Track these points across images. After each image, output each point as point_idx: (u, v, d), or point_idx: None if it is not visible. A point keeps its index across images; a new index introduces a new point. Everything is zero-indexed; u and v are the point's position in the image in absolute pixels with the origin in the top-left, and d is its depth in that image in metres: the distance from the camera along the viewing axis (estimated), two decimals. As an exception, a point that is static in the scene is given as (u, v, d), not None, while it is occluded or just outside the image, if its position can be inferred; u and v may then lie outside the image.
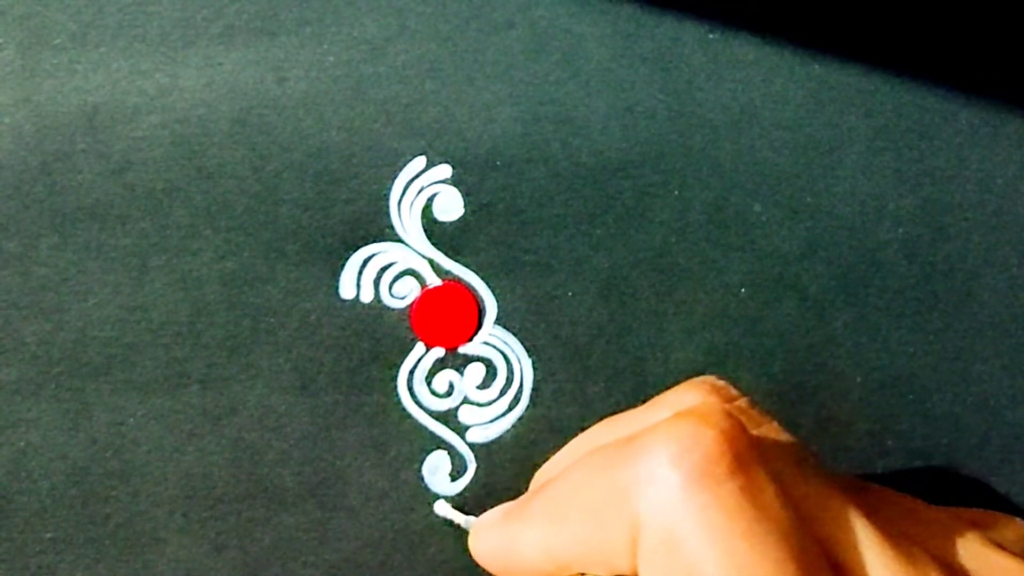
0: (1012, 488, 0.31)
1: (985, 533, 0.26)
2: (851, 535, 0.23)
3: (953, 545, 0.25)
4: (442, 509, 0.30)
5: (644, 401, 0.29)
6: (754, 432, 0.25)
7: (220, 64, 0.29)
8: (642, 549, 0.22)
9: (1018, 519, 0.27)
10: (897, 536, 0.23)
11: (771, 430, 0.25)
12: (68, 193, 0.29)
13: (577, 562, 0.24)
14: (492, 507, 0.29)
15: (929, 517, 0.26)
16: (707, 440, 0.22)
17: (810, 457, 0.25)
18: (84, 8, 0.29)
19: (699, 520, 0.22)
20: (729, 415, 0.23)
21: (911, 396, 0.31)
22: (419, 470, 0.30)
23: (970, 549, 0.25)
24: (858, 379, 0.31)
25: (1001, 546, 0.25)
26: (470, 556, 0.29)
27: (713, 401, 0.24)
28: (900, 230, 0.31)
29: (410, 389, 0.30)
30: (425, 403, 0.30)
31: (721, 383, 0.26)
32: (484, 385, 0.30)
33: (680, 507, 0.22)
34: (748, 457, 0.22)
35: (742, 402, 0.26)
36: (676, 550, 0.22)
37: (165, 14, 0.29)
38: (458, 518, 0.29)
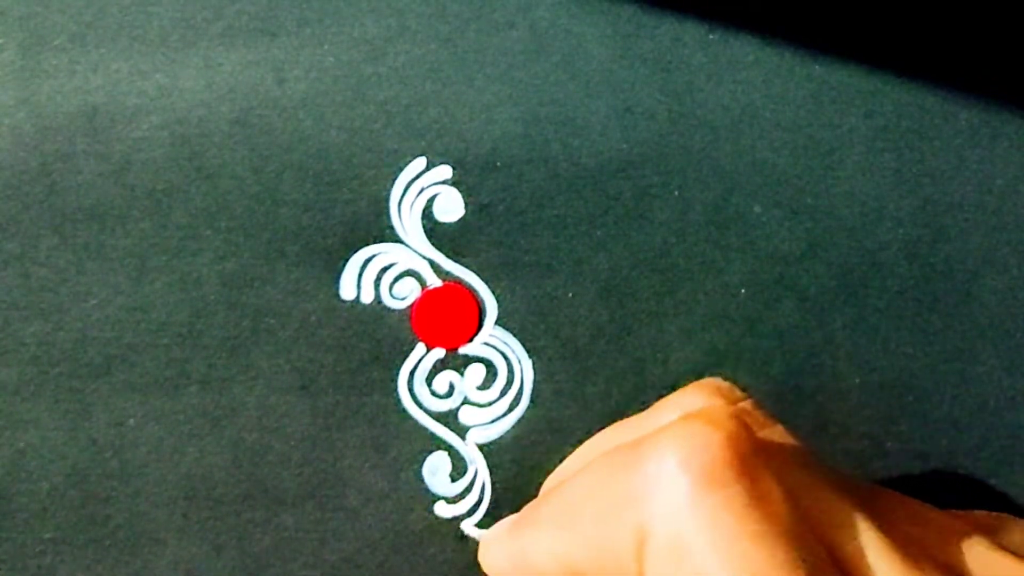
0: (1012, 489, 0.31)
1: (992, 536, 0.26)
2: (856, 539, 0.23)
3: (959, 549, 0.25)
4: (470, 530, 0.30)
5: (644, 401, 0.29)
6: (760, 434, 0.25)
7: (220, 65, 0.29)
8: (649, 553, 0.22)
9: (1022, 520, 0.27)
10: (903, 540, 0.23)
11: (776, 432, 0.25)
12: (68, 194, 0.29)
13: (589, 568, 0.24)
14: (491, 508, 0.29)
15: (935, 521, 0.25)
16: (715, 443, 0.22)
17: (815, 460, 0.25)
18: (84, 9, 0.29)
19: (707, 523, 0.21)
20: (735, 418, 0.23)
21: (910, 397, 0.31)
22: (419, 471, 0.30)
23: (976, 553, 0.25)
24: (857, 380, 0.31)
25: (1008, 549, 0.25)
26: (470, 557, 0.29)
27: (719, 404, 0.24)
28: (900, 231, 0.31)
29: (410, 390, 0.30)
30: (425, 404, 0.30)
31: (725, 385, 0.26)
32: (484, 386, 0.30)
33: (688, 511, 0.22)
34: (755, 460, 0.22)
35: (747, 404, 0.25)
36: (683, 554, 0.22)
37: (165, 15, 0.29)
38: (475, 534, 0.29)
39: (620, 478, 0.23)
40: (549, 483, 0.29)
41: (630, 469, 0.23)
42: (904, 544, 0.23)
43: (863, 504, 0.24)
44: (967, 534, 0.25)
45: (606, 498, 0.23)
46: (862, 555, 0.23)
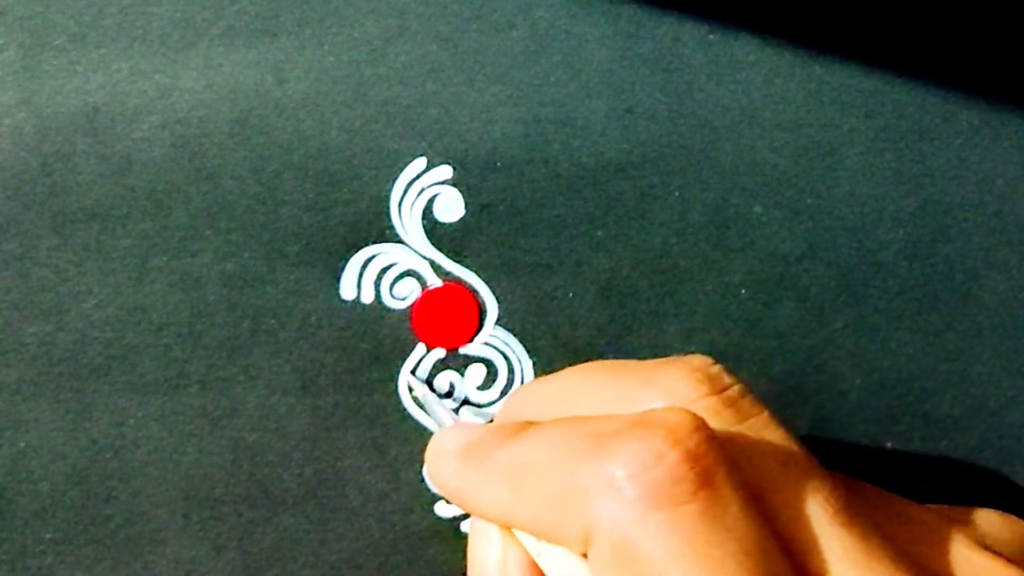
0: (1012, 489, 0.31)
1: (977, 533, 0.26)
2: (825, 545, 0.23)
3: (938, 548, 0.25)
4: (418, 388, 0.29)
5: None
6: (741, 427, 0.24)
7: (220, 65, 0.29)
8: (593, 554, 0.22)
9: (1015, 517, 0.27)
10: (879, 543, 0.23)
11: (760, 422, 0.24)
12: (68, 194, 0.29)
13: (528, 532, 0.24)
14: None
15: (917, 518, 0.25)
16: (670, 459, 0.22)
17: (799, 456, 0.24)
18: (85, 9, 0.29)
19: (655, 539, 0.21)
20: (700, 429, 0.22)
21: (910, 397, 0.31)
22: (419, 471, 0.30)
23: (956, 552, 0.25)
24: (857, 380, 0.31)
25: (991, 547, 0.25)
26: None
27: (684, 414, 0.23)
28: (900, 231, 0.31)
29: (411, 390, 0.30)
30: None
31: (715, 369, 0.25)
32: (485, 386, 0.30)
33: (634, 523, 0.21)
34: (714, 474, 0.22)
35: (733, 391, 0.25)
36: (629, 564, 0.21)
37: (165, 15, 0.29)
38: (429, 400, 0.29)
39: (575, 465, 0.23)
40: (521, 395, 0.28)
41: (586, 461, 0.22)
42: (880, 545, 0.23)
43: (841, 504, 0.23)
44: (949, 532, 0.25)
45: (558, 481, 0.23)
46: (830, 563, 0.23)
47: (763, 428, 0.25)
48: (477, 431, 0.26)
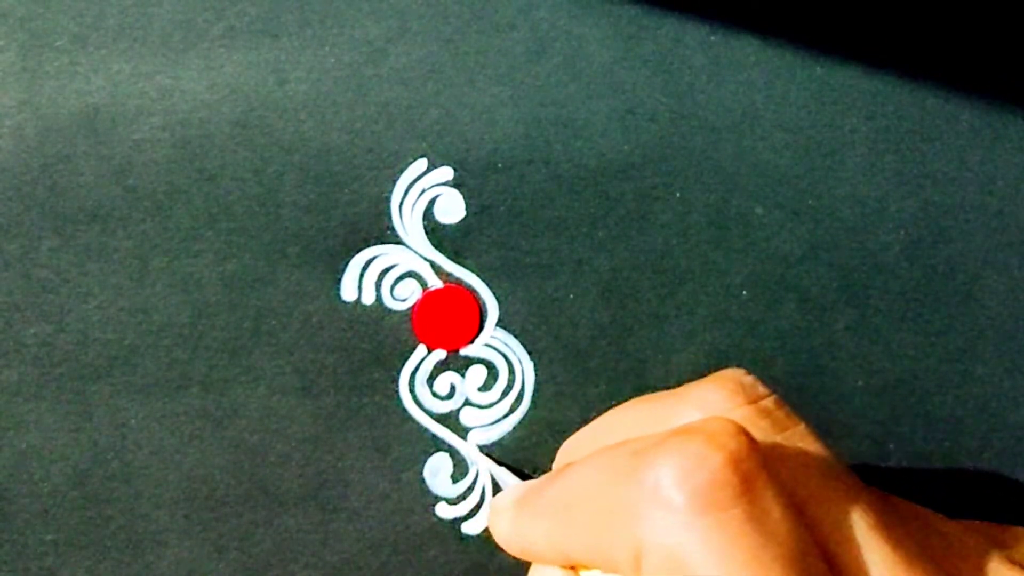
0: (1013, 490, 0.31)
1: (1007, 551, 0.26)
2: (865, 557, 0.23)
3: (972, 563, 0.24)
4: (487, 464, 0.30)
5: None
6: (778, 438, 0.24)
7: (221, 66, 0.29)
8: (645, 570, 0.22)
9: None
10: (915, 553, 0.23)
11: (797, 434, 0.24)
12: (69, 195, 0.29)
13: (585, 562, 0.24)
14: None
15: (951, 534, 0.25)
16: (713, 463, 0.22)
17: (834, 464, 0.24)
18: (85, 10, 0.29)
19: (702, 545, 0.21)
20: (740, 433, 0.22)
21: (912, 398, 0.31)
22: (420, 472, 0.30)
23: (990, 568, 0.25)
24: (859, 382, 0.31)
25: (1021, 564, 0.25)
26: (470, 559, 0.29)
27: (724, 421, 0.23)
28: (901, 232, 0.31)
29: (412, 391, 0.30)
30: (427, 405, 0.30)
31: (748, 380, 0.25)
32: (486, 387, 0.30)
33: (682, 531, 0.21)
34: (756, 479, 0.22)
35: (768, 402, 0.25)
36: (681, 570, 0.21)
37: (166, 16, 0.29)
38: (497, 472, 0.29)
39: (619, 484, 0.23)
40: (566, 449, 0.29)
41: (629, 478, 0.23)
42: (916, 557, 0.23)
43: (878, 517, 0.23)
44: (982, 548, 0.25)
45: (604, 503, 0.23)
46: (869, 572, 0.23)
47: (801, 439, 0.25)
48: (530, 484, 0.27)
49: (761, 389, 0.25)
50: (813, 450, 0.24)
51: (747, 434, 0.23)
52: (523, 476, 0.30)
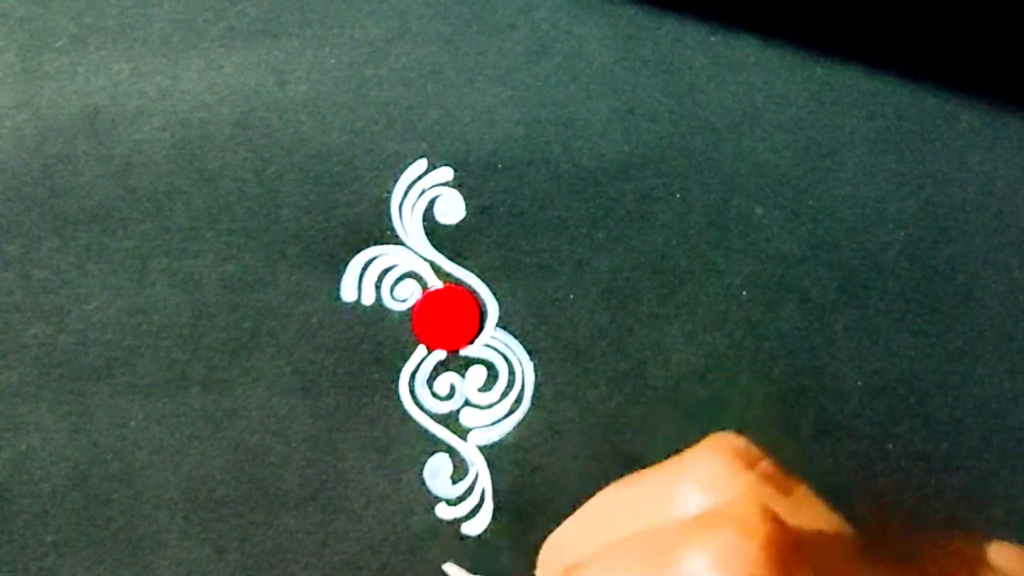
0: (1013, 491, 0.31)
1: (990, 567, 0.25)
2: None
3: None
4: (451, 570, 0.29)
5: (645, 404, 0.29)
6: (785, 503, 0.23)
7: (221, 67, 0.29)
8: None
9: None
10: None
11: (803, 496, 0.24)
12: (69, 196, 0.29)
13: None
14: (492, 510, 0.29)
15: (971, 560, 0.25)
16: (750, 551, 0.21)
17: (849, 535, 0.24)
18: (85, 10, 0.29)
19: None
20: (769, 515, 0.22)
21: (912, 399, 0.31)
22: (420, 473, 0.30)
23: None
24: (859, 382, 0.31)
25: None
26: (471, 560, 0.29)
27: (750, 504, 0.22)
28: (902, 233, 0.31)
29: (411, 392, 0.30)
30: (426, 406, 0.30)
31: (742, 443, 0.25)
32: (486, 388, 0.30)
33: None
34: (792, 562, 0.21)
35: (766, 465, 0.24)
36: None
37: (166, 16, 0.29)
38: None
39: None
40: (549, 547, 0.27)
41: (661, 573, 0.21)
42: None
43: None
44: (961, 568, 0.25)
45: None
46: None
47: (808, 503, 0.24)
48: None
49: (755, 450, 0.25)
50: (821, 514, 0.24)
51: (775, 515, 0.22)
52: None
